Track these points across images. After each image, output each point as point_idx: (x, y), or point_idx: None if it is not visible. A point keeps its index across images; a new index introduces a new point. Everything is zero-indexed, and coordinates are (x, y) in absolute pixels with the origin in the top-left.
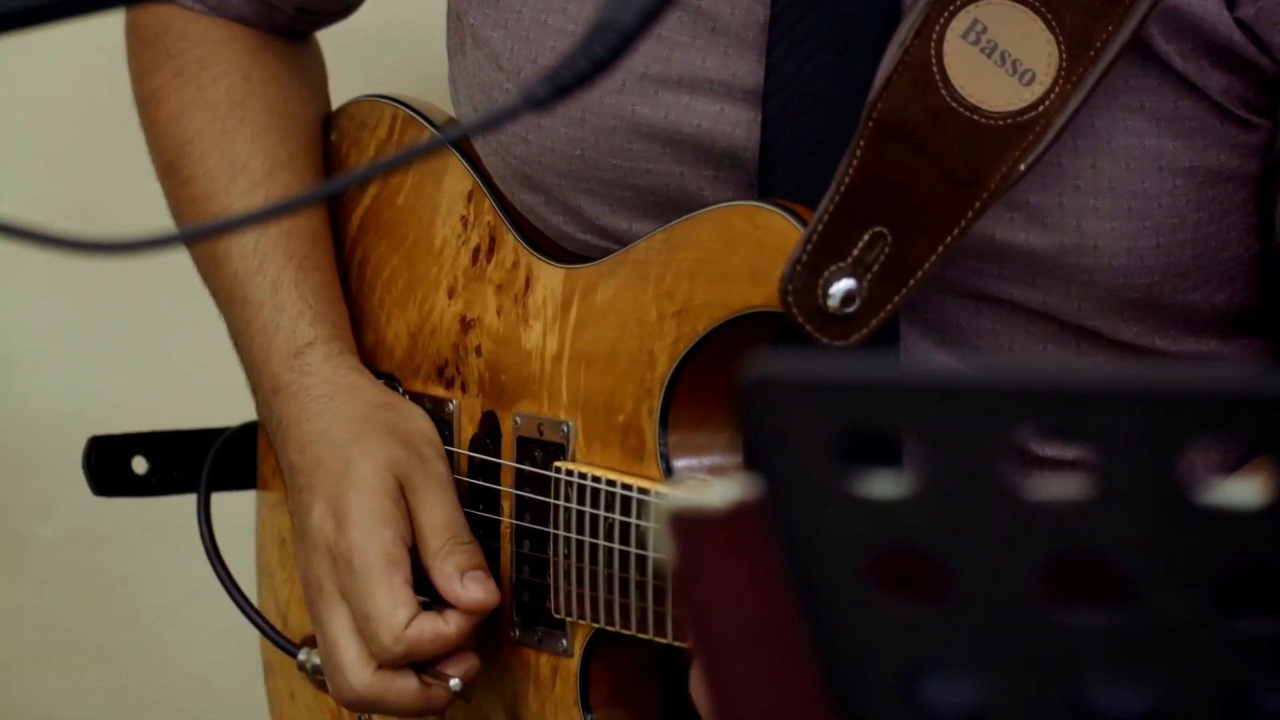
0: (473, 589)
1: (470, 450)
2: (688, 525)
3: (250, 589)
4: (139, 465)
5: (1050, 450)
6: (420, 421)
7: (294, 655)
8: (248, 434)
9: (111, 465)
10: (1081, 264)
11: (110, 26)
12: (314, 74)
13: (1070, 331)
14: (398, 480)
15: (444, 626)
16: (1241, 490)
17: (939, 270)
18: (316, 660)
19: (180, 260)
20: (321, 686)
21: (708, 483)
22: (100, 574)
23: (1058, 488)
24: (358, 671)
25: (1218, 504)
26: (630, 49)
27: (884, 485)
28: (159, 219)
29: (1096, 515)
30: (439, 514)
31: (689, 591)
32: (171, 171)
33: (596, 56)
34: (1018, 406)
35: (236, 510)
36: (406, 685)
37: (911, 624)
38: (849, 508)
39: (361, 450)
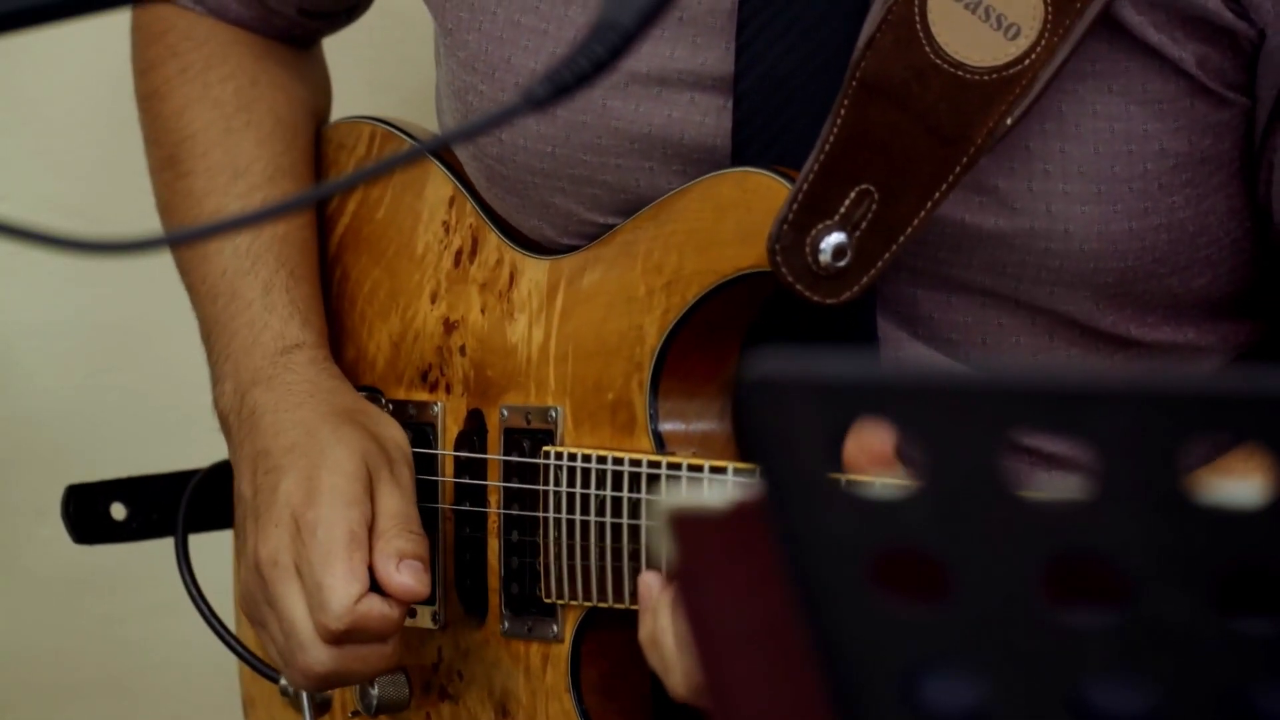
0: (405, 575)
1: (455, 449)
2: (688, 526)
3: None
4: (118, 511)
5: (1054, 447)
6: (394, 429)
7: (275, 681)
8: (221, 474)
9: (90, 513)
10: (1052, 248)
11: (110, 27)
12: (318, 88)
13: (1043, 323)
14: (368, 470)
15: (389, 610)
16: (1241, 490)
17: (910, 262)
18: None
19: None
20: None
21: (699, 454)
22: (99, 575)
23: (1057, 488)
24: (320, 645)
25: (1217, 504)
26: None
27: (884, 485)
28: (159, 220)
29: (1096, 515)
30: (395, 503)
31: (689, 592)
32: (170, 165)
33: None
34: (1017, 406)
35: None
36: (370, 650)
37: (911, 624)
38: (849, 508)
39: (338, 437)
